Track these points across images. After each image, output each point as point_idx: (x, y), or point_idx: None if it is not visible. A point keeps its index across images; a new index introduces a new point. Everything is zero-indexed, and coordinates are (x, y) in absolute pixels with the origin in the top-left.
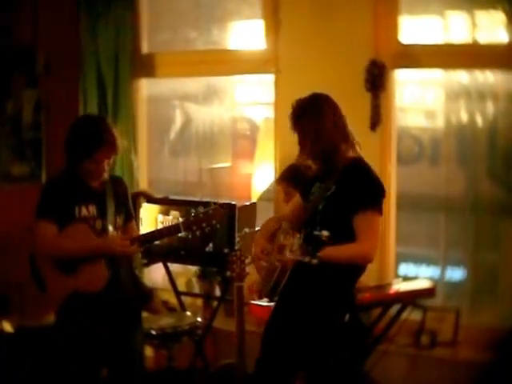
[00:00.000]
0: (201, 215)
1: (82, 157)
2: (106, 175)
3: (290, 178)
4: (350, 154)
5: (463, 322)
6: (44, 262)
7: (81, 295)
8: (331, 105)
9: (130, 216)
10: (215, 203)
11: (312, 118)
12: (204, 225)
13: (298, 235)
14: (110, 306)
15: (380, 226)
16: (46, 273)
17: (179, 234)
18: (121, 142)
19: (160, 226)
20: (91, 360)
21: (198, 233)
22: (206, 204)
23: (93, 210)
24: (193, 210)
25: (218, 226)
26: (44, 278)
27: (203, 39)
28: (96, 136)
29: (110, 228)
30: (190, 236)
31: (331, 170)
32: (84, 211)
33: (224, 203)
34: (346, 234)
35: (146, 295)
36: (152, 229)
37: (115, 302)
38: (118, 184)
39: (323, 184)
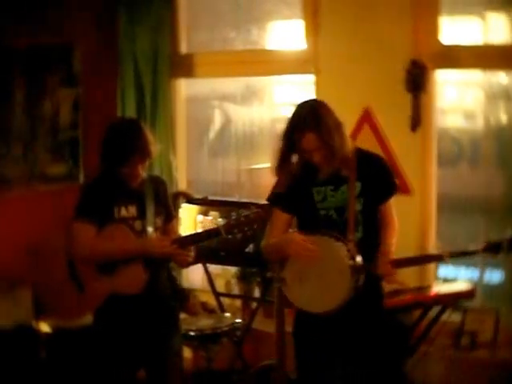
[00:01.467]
0: (242, 219)
1: (115, 163)
2: (142, 177)
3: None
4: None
5: (503, 324)
6: (83, 263)
7: (119, 297)
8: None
9: (171, 216)
10: (257, 206)
11: (327, 124)
12: (246, 228)
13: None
14: (149, 307)
15: None
16: (85, 273)
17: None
18: (155, 147)
19: (199, 227)
20: (129, 361)
21: (239, 236)
22: (245, 205)
23: (132, 210)
24: (233, 213)
25: (259, 229)
26: (82, 278)
27: (242, 39)
28: (128, 144)
29: (150, 229)
30: (229, 237)
31: (341, 169)
32: (123, 212)
33: (265, 204)
34: (376, 225)
35: (181, 296)
36: (191, 229)
37: (153, 303)
38: (157, 183)
39: (346, 185)
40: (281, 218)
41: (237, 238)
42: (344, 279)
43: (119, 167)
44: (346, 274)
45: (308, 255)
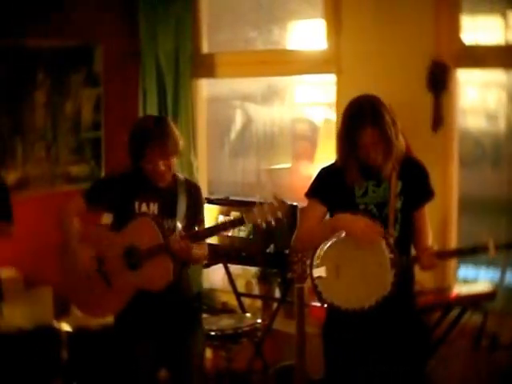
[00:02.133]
0: (265, 206)
1: (136, 158)
2: (168, 176)
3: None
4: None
5: None
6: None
7: (142, 294)
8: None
9: (200, 222)
10: (275, 197)
11: (386, 119)
12: (269, 217)
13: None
14: (172, 306)
15: None
16: (112, 269)
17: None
18: (175, 143)
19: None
20: (149, 361)
21: (264, 225)
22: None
23: (154, 207)
24: (258, 201)
25: (284, 219)
26: (109, 274)
27: (263, 39)
28: (146, 138)
29: (179, 225)
30: (251, 236)
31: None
32: (144, 208)
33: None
34: (412, 229)
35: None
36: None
37: (176, 302)
38: (192, 187)
39: (387, 182)
40: (316, 210)
41: (258, 237)
42: (383, 272)
43: (141, 162)
44: (386, 268)
45: (366, 240)
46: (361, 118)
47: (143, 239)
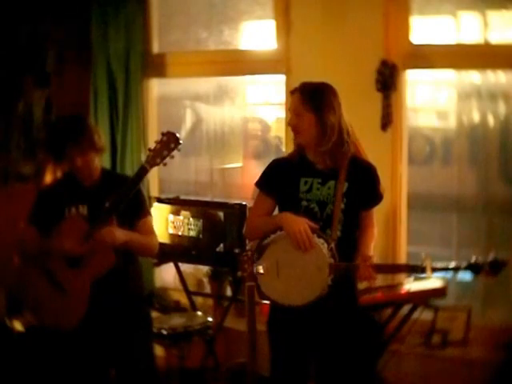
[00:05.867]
0: (158, 146)
1: (55, 156)
2: (91, 172)
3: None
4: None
5: (474, 322)
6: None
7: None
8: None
9: (140, 213)
10: (163, 133)
11: (330, 109)
12: (165, 153)
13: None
14: (117, 304)
15: None
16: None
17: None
18: (90, 139)
19: (171, 226)
20: (98, 360)
21: (163, 164)
22: (216, 205)
23: (83, 210)
24: (149, 148)
25: (178, 149)
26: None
27: (214, 39)
28: (59, 135)
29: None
30: (201, 235)
31: (336, 164)
32: (73, 212)
33: None
34: (354, 228)
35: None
36: (163, 229)
37: (122, 300)
38: (120, 182)
39: (334, 181)
40: (265, 202)
41: (207, 237)
42: (321, 276)
43: (61, 162)
44: (324, 272)
45: (296, 246)
46: (300, 102)
47: (73, 234)
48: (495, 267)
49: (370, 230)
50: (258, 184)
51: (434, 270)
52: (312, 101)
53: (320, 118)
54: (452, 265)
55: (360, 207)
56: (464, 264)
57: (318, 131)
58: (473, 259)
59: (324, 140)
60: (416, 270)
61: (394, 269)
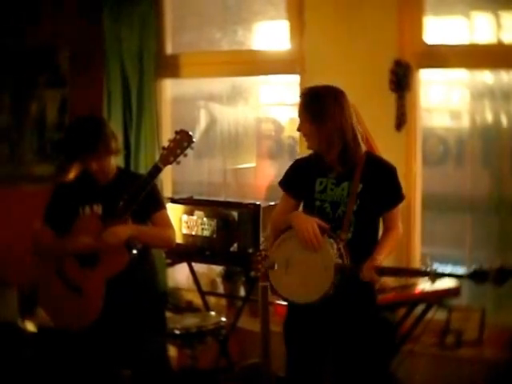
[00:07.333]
0: (171, 144)
1: (69, 158)
2: (106, 173)
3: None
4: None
5: (488, 322)
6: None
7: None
8: (346, 97)
9: (156, 206)
10: (176, 132)
11: (328, 117)
12: (178, 151)
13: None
14: (129, 305)
15: None
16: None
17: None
18: (105, 144)
19: (184, 226)
20: (110, 360)
21: (176, 163)
22: (230, 205)
23: (97, 209)
24: (162, 146)
25: (191, 147)
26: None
27: (228, 40)
28: (72, 141)
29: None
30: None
31: (349, 167)
32: (87, 211)
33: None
34: (371, 232)
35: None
36: (177, 229)
37: (135, 300)
38: (134, 179)
39: (347, 182)
40: (287, 201)
41: (221, 236)
42: (326, 276)
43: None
44: (330, 272)
45: (304, 244)
46: (304, 109)
47: (87, 234)
48: (501, 276)
49: (389, 233)
50: (280, 184)
51: (439, 275)
52: (310, 110)
53: (318, 128)
54: (457, 271)
55: (377, 208)
56: (469, 271)
57: (320, 139)
58: (478, 266)
59: (326, 149)
60: (420, 274)
61: (398, 272)
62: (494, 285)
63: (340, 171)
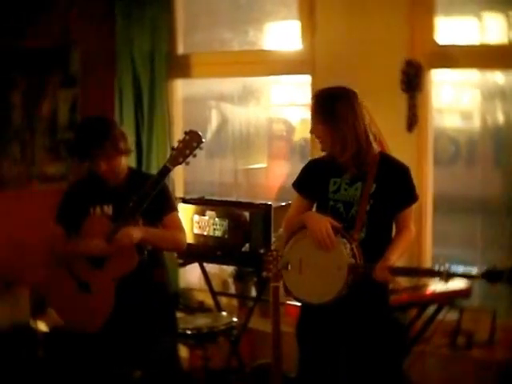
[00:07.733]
0: (180, 145)
1: (79, 159)
2: (116, 174)
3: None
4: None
5: (499, 323)
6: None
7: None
8: (358, 98)
9: (166, 209)
10: (186, 132)
11: (340, 120)
12: (188, 152)
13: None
14: (141, 305)
15: None
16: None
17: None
18: (114, 144)
19: (196, 227)
20: (121, 361)
21: (185, 163)
22: (241, 205)
23: (108, 209)
24: (172, 147)
25: (200, 148)
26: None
27: (239, 40)
28: (80, 140)
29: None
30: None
31: (363, 168)
32: (98, 211)
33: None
34: (384, 232)
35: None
36: (188, 229)
37: (146, 301)
38: (144, 180)
39: (361, 182)
40: (300, 202)
41: (233, 237)
42: (340, 276)
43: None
44: (343, 272)
45: (317, 244)
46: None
47: (97, 235)
48: None
49: (402, 233)
50: (294, 185)
51: (452, 275)
52: (322, 112)
53: (331, 130)
54: (470, 271)
55: (390, 209)
56: (481, 272)
57: (333, 141)
58: (491, 266)
59: (340, 150)
60: (433, 274)
61: (411, 272)
62: (507, 284)
63: (354, 172)
